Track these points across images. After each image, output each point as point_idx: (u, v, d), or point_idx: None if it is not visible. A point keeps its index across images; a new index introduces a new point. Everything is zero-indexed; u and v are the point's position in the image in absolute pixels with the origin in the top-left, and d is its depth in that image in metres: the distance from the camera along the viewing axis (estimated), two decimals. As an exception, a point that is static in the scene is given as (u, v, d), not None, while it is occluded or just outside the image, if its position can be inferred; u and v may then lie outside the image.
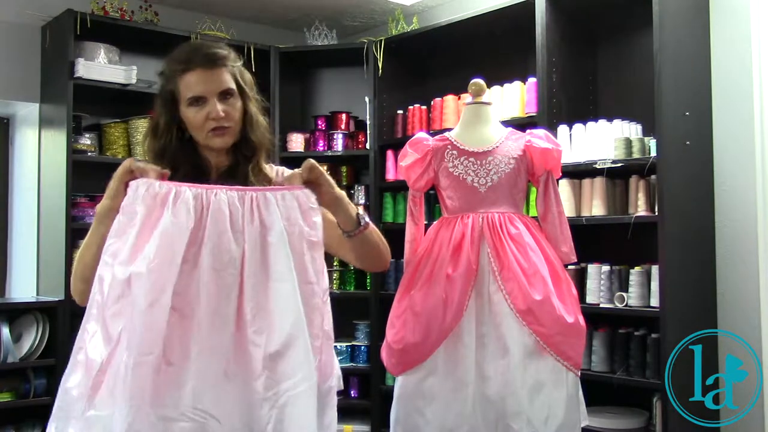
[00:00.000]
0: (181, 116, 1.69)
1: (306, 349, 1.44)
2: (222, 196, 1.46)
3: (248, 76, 1.76)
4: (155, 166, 1.51)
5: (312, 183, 1.59)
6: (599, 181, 3.33)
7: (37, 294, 4.09)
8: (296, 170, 1.62)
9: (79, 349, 1.42)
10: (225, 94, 1.68)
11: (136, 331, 1.36)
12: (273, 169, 1.80)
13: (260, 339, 1.43)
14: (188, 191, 1.45)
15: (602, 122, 3.36)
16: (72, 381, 1.41)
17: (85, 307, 1.48)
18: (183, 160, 1.69)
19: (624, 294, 3.21)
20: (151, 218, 1.43)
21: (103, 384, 1.39)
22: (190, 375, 1.39)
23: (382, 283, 4.36)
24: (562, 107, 3.56)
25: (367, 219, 1.73)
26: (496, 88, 3.82)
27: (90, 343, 1.41)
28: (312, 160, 1.61)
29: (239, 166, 1.72)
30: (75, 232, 3.84)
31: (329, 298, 1.56)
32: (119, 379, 1.36)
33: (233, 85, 1.70)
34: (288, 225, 1.49)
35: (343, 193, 1.67)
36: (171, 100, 1.69)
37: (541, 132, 2.77)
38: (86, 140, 4.00)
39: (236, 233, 1.45)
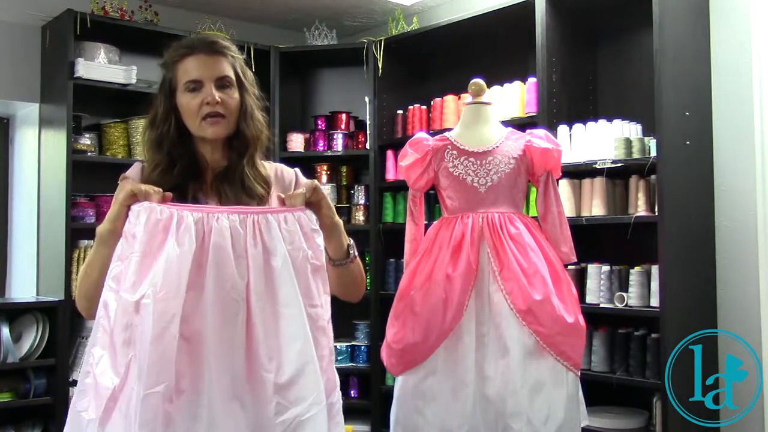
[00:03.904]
0: (177, 104, 1.66)
1: (316, 375, 1.44)
2: (224, 221, 1.43)
3: (249, 73, 1.73)
4: (157, 189, 1.47)
5: (313, 205, 1.57)
6: (599, 181, 3.33)
7: (37, 294, 4.09)
8: (299, 190, 1.57)
9: (87, 373, 1.41)
10: (222, 82, 1.65)
11: (145, 361, 1.34)
12: (271, 167, 1.77)
13: (271, 365, 1.41)
14: (189, 216, 1.41)
15: (602, 122, 3.36)
16: (82, 405, 1.40)
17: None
18: (181, 151, 1.66)
19: (624, 294, 3.21)
20: (153, 244, 1.40)
21: (115, 410, 1.37)
22: (203, 402, 1.37)
23: (382, 283, 4.35)
24: (562, 107, 3.56)
25: (356, 252, 1.72)
26: (496, 88, 3.82)
27: (97, 368, 1.39)
28: (316, 182, 1.59)
29: (235, 167, 1.68)
30: (75, 232, 3.85)
31: (330, 316, 1.54)
32: (131, 406, 1.35)
33: (231, 75, 1.67)
34: (292, 249, 1.46)
35: (340, 222, 1.66)
36: (169, 89, 1.66)
37: (541, 132, 2.77)
38: (86, 140, 4.00)
39: (239, 258, 1.42)
